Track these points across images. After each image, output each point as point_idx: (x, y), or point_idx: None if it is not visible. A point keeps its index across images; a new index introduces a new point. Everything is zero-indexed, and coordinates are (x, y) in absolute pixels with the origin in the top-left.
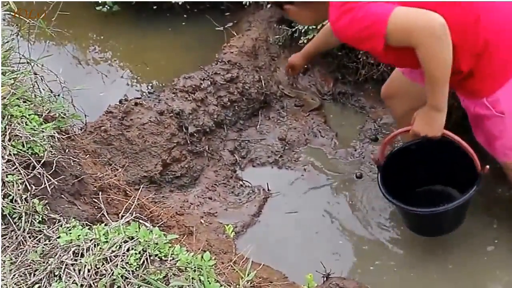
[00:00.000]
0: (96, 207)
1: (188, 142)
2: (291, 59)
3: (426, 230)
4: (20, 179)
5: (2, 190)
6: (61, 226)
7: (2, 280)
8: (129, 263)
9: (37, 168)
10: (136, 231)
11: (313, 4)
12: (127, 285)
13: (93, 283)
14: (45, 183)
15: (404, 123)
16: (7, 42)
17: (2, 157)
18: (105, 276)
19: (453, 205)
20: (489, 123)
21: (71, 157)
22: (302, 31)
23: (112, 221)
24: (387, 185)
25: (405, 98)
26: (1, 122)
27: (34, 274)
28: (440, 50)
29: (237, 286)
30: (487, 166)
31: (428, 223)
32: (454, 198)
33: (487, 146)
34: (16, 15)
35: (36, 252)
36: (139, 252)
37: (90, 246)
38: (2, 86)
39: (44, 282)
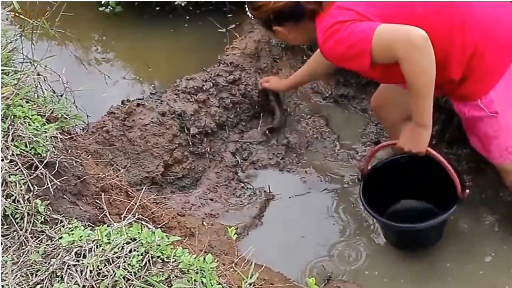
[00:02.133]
0: (98, 208)
1: (190, 143)
2: (272, 84)
3: (402, 243)
4: (23, 179)
5: (4, 190)
6: (63, 226)
7: (4, 280)
8: (131, 264)
9: (39, 168)
10: (139, 233)
11: (302, 26)
12: (129, 286)
13: (95, 284)
14: (47, 184)
15: (395, 133)
16: (11, 42)
17: (5, 157)
18: (107, 278)
19: (432, 222)
20: (483, 124)
21: (73, 158)
22: None
23: (114, 222)
24: (368, 195)
25: (395, 108)
26: (5, 122)
27: (36, 275)
28: (422, 60)
29: None
30: (467, 191)
31: (405, 237)
32: (430, 214)
33: (482, 150)
34: (20, 15)
35: (38, 252)
36: (141, 254)
37: (92, 247)
38: (5, 87)
39: (46, 283)
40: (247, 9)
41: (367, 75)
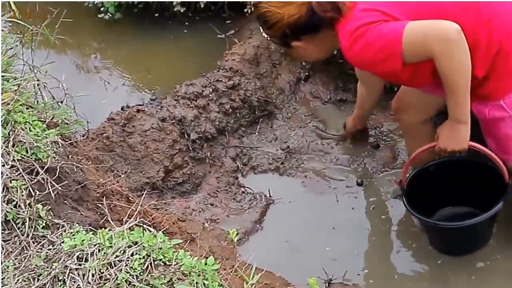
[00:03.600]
0: (99, 213)
1: (190, 148)
2: (351, 126)
3: (453, 247)
4: (24, 184)
5: (5, 195)
6: (64, 231)
7: (6, 285)
8: (133, 267)
9: (40, 173)
10: (140, 236)
11: (321, 36)
12: None
13: (98, 287)
14: (48, 189)
15: (413, 135)
16: (11, 48)
17: (6, 162)
18: (109, 281)
19: (482, 217)
20: (504, 125)
21: (74, 163)
22: None
23: (115, 227)
24: (413, 206)
25: (416, 111)
26: (5, 128)
27: (38, 279)
28: (457, 54)
29: None
30: None
31: (457, 238)
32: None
33: (500, 152)
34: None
35: (40, 257)
36: (143, 257)
37: (94, 250)
38: (6, 93)
39: (48, 287)
40: (261, 31)
41: (396, 78)
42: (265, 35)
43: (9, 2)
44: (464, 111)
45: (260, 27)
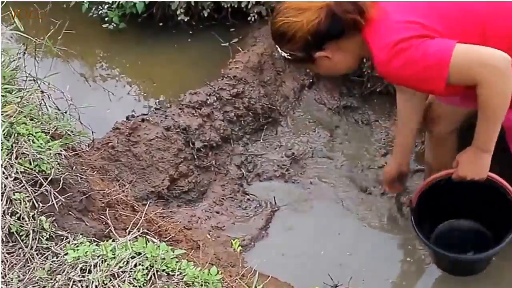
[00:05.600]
0: (104, 223)
1: (195, 157)
2: (392, 175)
3: (460, 271)
4: (27, 196)
5: (9, 208)
6: (68, 242)
7: None
8: (137, 278)
9: (44, 185)
10: (144, 247)
11: (345, 43)
12: None
13: None
14: (52, 200)
15: (438, 146)
16: (14, 60)
17: (9, 175)
18: None
19: (496, 249)
20: None
21: (78, 174)
22: None
23: (120, 237)
24: (419, 223)
25: (445, 122)
26: (8, 140)
27: None
28: (503, 84)
29: None
30: None
31: (465, 265)
32: (483, 235)
33: None
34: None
35: (43, 269)
36: (147, 268)
37: (97, 262)
38: (9, 105)
39: None
40: (279, 50)
41: (429, 92)
42: (285, 54)
43: (12, 14)
44: (492, 140)
45: (278, 47)
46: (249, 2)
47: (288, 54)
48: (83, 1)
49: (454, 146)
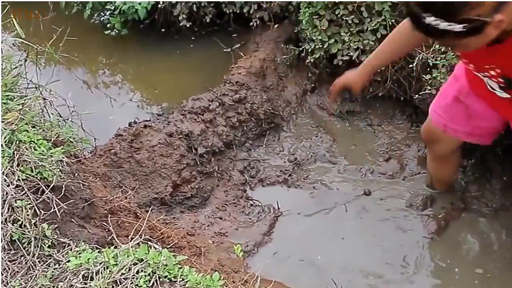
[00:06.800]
0: (106, 230)
1: (198, 163)
2: (347, 80)
3: None
4: (29, 204)
5: (11, 215)
6: (70, 250)
7: None
8: (139, 285)
9: (46, 192)
10: (146, 253)
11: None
12: None
13: None
14: (54, 208)
15: (441, 164)
16: (16, 68)
17: (11, 182)
18: None
19: None
20: None
21: (80, 181)
22: (309, 50)
23: (123, 244)
24: None
25: (447, 142)
26: (10, 147)
27: None
28: None
29: None
30: None
31: None
32: None
33: None
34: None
35: (45, 276)
36: (149, 274)
37: (99, 269)
38: (10, 112)
39: None
40: (440, 26)
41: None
42: (457, 27)
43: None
44: None
45: (447, 20)
46: (251, 7)
47: (464, 33)
48: (85, 8)
49: (456, 163)
